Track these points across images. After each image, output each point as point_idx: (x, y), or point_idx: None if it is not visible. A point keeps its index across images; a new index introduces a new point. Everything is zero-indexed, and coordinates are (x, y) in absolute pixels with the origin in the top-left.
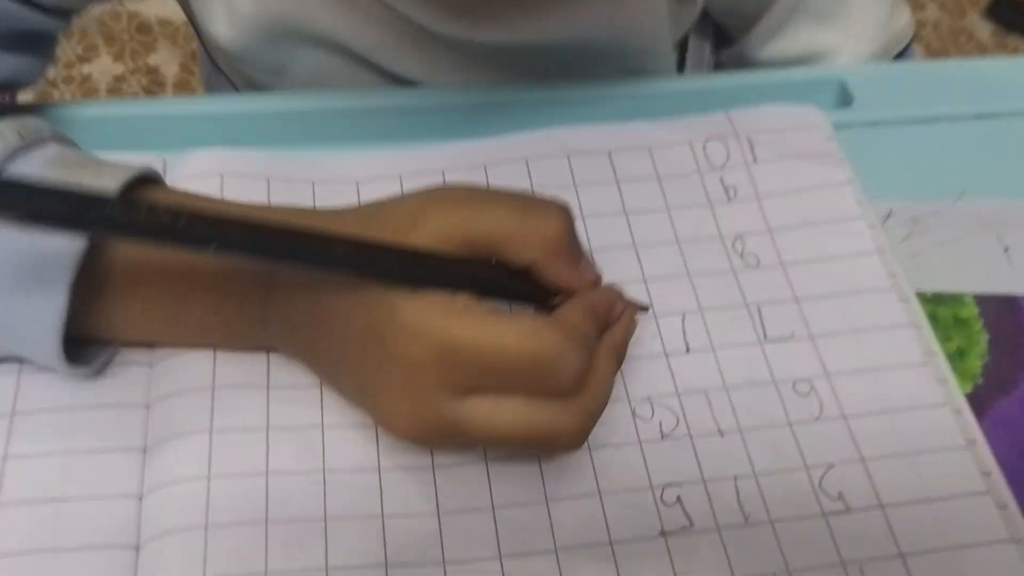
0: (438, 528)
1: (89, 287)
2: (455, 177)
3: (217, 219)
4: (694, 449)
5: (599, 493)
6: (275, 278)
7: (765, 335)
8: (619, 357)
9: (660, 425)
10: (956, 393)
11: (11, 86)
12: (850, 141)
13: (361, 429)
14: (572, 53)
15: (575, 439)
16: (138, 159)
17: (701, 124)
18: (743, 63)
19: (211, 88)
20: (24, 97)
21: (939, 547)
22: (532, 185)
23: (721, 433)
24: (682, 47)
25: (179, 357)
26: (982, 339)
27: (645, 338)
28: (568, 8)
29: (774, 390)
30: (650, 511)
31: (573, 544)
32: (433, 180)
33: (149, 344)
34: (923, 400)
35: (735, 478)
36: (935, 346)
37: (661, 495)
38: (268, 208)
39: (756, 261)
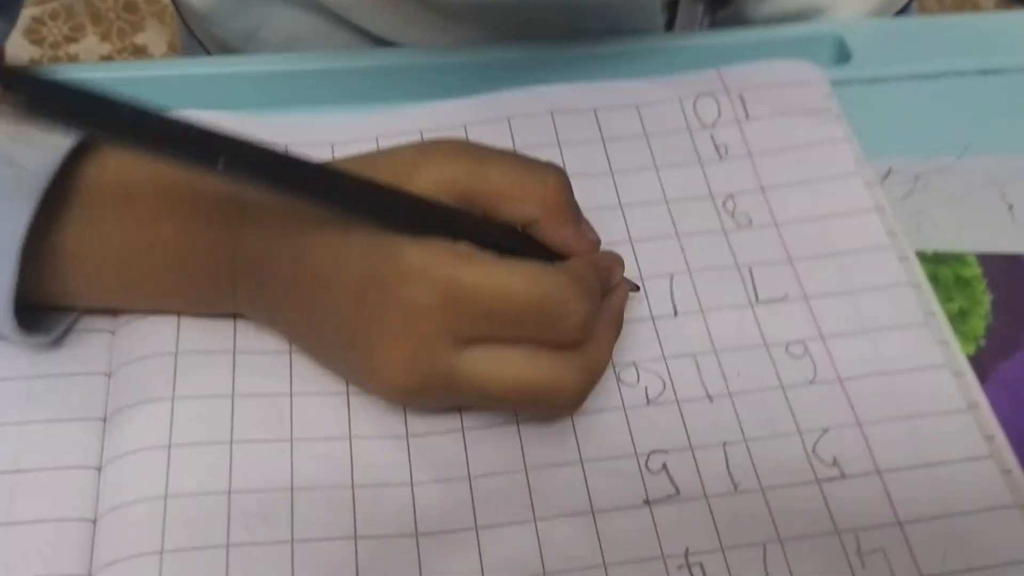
0: (411, 499)
1: (40, 252)
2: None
3: (231, 137)
4: (681, 415)
5: (581, 461)
6: (244, 238)
7: (757, 297)
8: (618, 324)
9: (646, 390)
10: (957, 355)
11: None
12: (848, 98)
13: (332, 396)
14: (555, 11)
15: (574, 396)
16: None
17: (691, 81)
18: (739, 24)
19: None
20: None
21: (939, 514)
22: (514, 144)
23: (710, 398)
24: (672, 7)
25: (142, 322)
26: (985, 300)
27: (631, 301)
28: None
29: (765, 353)
30: (634, 479)
31: (553, 514)
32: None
33: (111, 311)
34: (922, 361)
35: (724, 444)
36: (935, 306)
37: (646, 462)
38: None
39: (748, 221)
